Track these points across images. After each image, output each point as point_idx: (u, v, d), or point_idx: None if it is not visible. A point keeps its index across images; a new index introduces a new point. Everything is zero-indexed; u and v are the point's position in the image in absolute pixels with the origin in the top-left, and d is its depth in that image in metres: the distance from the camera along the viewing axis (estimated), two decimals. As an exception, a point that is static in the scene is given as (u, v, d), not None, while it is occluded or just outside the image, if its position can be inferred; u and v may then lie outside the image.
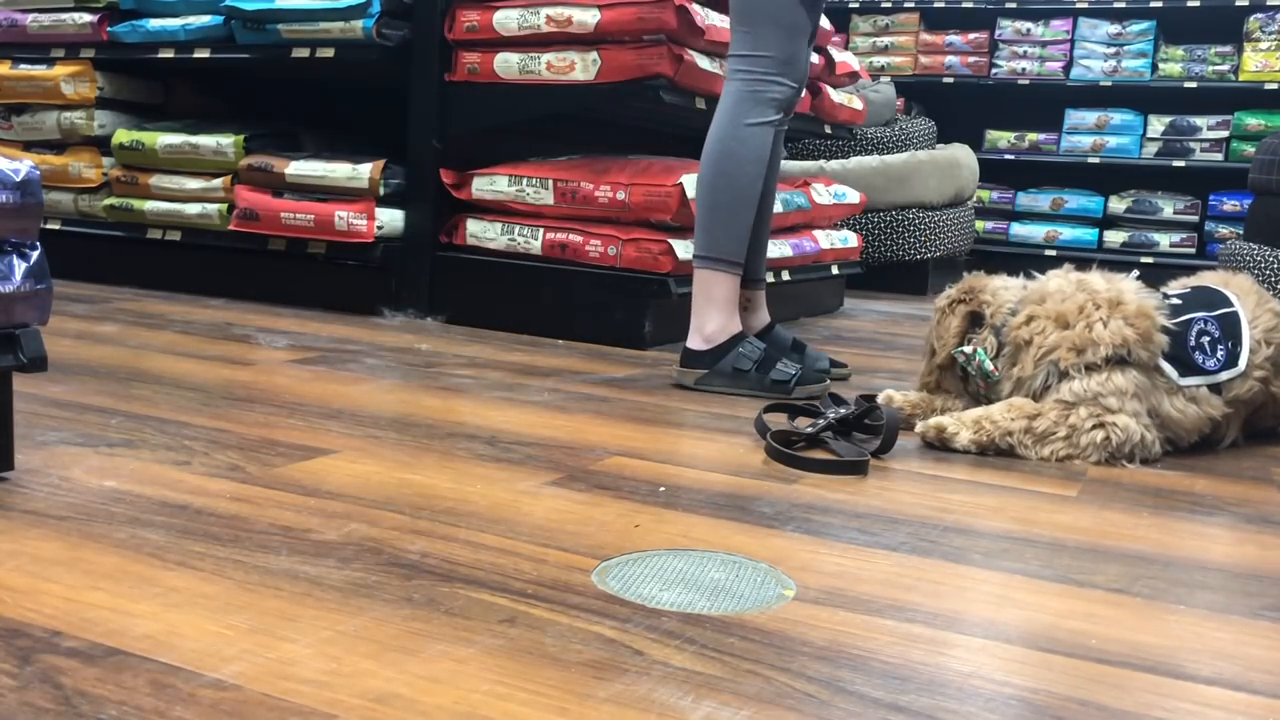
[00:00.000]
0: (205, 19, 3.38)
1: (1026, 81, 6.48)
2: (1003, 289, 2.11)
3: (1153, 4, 6.21)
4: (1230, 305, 2.08)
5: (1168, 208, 6.25)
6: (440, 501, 1.45)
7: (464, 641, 1.01)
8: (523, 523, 1.38)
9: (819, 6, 2.37)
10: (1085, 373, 1.92)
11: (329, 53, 3.19)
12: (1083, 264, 2.17)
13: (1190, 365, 1.98)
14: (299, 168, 3.24)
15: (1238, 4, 6.05)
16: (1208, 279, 2.24)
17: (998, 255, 6.38)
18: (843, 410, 1.94)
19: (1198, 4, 6.12)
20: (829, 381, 2.39)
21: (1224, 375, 2.02)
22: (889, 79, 5.69)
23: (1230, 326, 2.05)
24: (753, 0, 2.29)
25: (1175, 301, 2.06)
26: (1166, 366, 1.96)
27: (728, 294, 2.35)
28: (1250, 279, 2.21)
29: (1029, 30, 6.49)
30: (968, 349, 2.07)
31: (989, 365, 2.03)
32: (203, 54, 3.40)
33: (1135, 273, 2.11)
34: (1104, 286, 2.00)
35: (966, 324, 2.10)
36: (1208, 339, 2.01)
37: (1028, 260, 6.14)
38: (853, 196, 4.10)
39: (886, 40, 6.79)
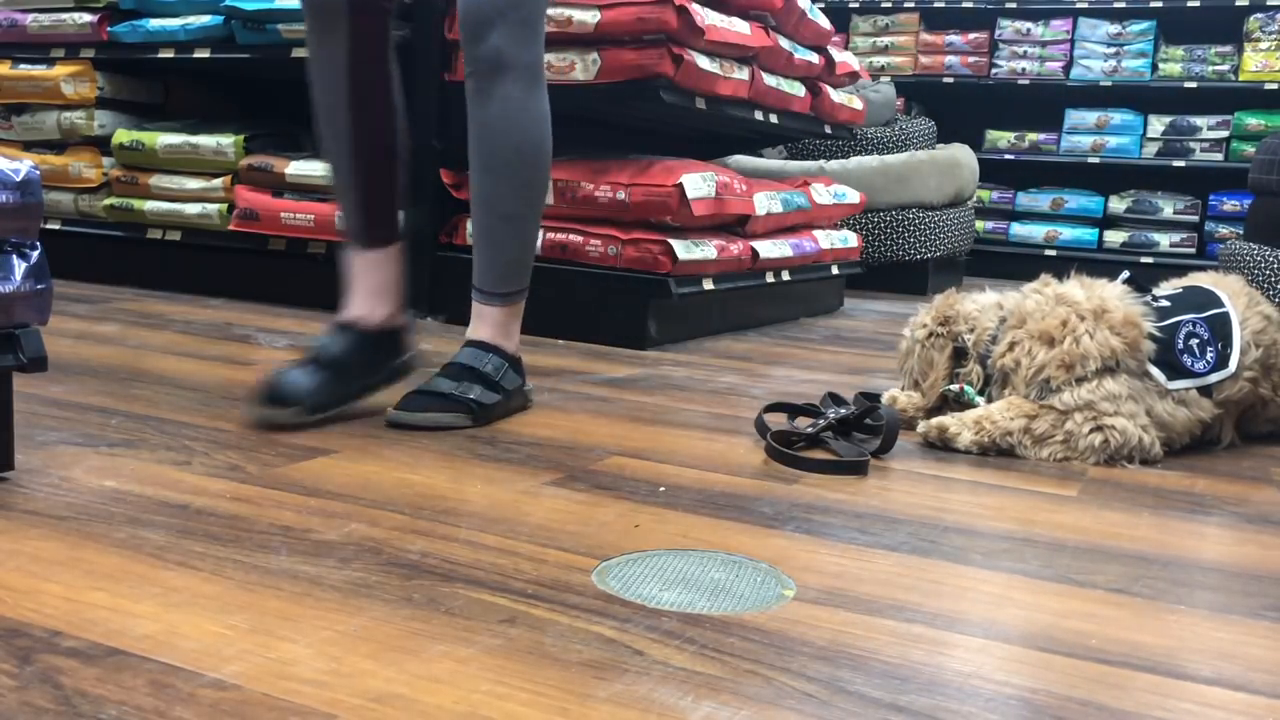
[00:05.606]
0: (205, 19, 3.38)
1: (1026, 81, 6.48)
2: (977, 313, 2.06)
3: (1153, 4, 6.21)
4: (1221, 306, 2.06)
5: (1168, 208, 6.24)
6: (440, 501, 1.45)
7: (464, 641, 1.01)
8: (523, 523, 1.38)
9: None
10: (1076, 384, 1.90)
11: (329, 53, 3.18)
12: (1083, 264, 2.15)
13: (1178, 368, 1.96)
14: (299, 168, 3.24)
15: (1238, 4, 6.04)
16: (1199, 279, 2.22)
17: (998, 255, 6.39)
18: (843, 410, 1.94)
19: (1198, 4, 6.12)
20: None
21: (1213, 377, 1.99)
22: (889, 79, 5.69)
23: (1221, 327, 2.03)
24: None
25: (1164, 303, 2.03)
26: (1154, 370, 1.95)
27: None
28: (1241, 280, 2.19)
29: (1029, 30, 6.49)
30: (954, 387, 2.05)
31: (978, 400, 2.01)
32: (203, 54, 3.40)
33: (1125, 274, 2.09)
34: (1084, 296, 1.97)
35: (953, 361, 2.07)
36: (1196, 341, 1.99)
37: (1028, 260, 6.16)
38: (853, 196, 4.10)
39: (886, 40, 6.79)
